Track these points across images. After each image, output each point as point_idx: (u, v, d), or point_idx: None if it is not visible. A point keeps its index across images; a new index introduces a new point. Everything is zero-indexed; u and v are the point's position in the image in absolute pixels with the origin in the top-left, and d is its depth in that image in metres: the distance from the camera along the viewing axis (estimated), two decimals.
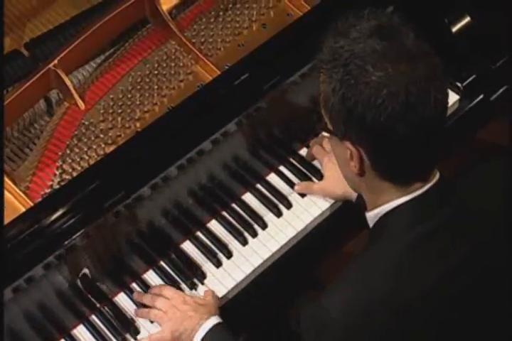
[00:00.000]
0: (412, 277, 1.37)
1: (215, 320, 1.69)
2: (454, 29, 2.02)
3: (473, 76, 2.05)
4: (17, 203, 1.69)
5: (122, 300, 1.79)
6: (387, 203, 1.41)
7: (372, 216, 1.46)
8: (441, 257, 1.38)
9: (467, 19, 2.03)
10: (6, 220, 1.59)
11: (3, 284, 1.53)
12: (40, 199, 1.68)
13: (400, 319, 1.34)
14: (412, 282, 1.36)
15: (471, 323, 1.42)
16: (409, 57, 1.30)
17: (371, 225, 1.48)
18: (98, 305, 1.77)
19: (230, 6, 1.97)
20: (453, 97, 2.03)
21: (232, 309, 1.79)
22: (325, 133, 1.88)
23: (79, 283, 1.72)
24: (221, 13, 1.96)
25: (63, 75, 1.79)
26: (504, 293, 1.43)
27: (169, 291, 1.76)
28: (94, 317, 1.77)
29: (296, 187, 1.92)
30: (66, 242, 1.59)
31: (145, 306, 1.76)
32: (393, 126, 1.29)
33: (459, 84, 2.04)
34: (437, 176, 1.41)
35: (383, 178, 1.38)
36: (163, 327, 1.71)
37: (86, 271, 1.72)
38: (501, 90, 2.08)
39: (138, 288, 1.80)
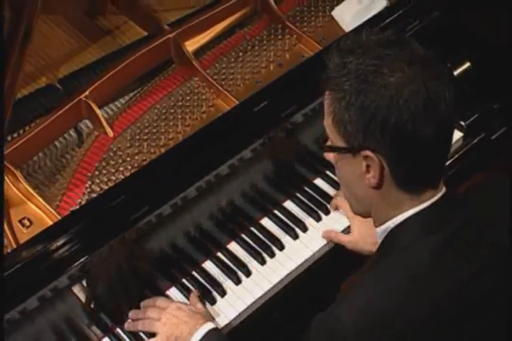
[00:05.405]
0: (427, 288, 1.36)
1: (210, 324, 1.72)
2: (456, 72, 2.15)
3: (476, 115, 2.17)
4: (47, 219, 1.79)
5: None
6: (397, 215, 1.42)
7: (381, 231, 1.47)
8: (455, 268, 1.39)
9: (467, 64, 2.17)
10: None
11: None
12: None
13: (414, 330, 1.34)
14: (426, 293, 1.36)
15: (486, 334, 1.41)
16: (422, 59, 1.34)
17: (380, 239, 1.49)
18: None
19: (249, 47, 2.12)
20: (457, 135, 2.14)
21: (249, 326, 1.85)
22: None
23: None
24: (241, 54, 2.11)
25: (94, 106, 1.92)
26: None
27: (162, 301, 1.80)
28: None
29: (323, 234, 1.96)
30: (88, 256, 1.66)
31: None
32: (416, 125, 1.30)
33: (462, 123, 2.15)
34: (444, 188, 1.44)
35: (400, 187, 1.38)
36: (158, 332, 1.74)
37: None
38: (502, 130, 2.19)
39: None
